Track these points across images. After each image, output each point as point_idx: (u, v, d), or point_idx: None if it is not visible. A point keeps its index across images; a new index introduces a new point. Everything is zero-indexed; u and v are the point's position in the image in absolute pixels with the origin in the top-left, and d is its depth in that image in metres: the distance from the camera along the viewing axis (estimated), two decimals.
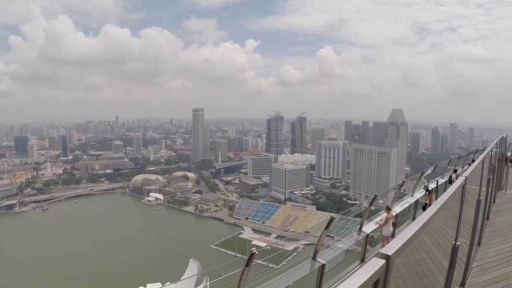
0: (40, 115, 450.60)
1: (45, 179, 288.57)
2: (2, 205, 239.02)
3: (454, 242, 7.61)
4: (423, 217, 4.93)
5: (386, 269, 3.71)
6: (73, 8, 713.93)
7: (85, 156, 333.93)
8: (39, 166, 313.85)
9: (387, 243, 18.99)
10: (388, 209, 19.30)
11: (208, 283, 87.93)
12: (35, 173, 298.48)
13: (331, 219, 13.94)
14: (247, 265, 10.96)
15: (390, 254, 3.68)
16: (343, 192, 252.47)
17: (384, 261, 3.64)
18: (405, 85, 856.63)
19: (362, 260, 18.19)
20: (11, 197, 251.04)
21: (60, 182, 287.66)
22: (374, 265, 3.57)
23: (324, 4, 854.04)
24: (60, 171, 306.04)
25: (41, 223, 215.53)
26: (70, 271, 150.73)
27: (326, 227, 14.26)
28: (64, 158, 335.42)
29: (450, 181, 27.56)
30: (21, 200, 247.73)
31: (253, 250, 10.73)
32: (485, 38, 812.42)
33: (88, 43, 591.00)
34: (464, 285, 8.98)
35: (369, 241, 18.53)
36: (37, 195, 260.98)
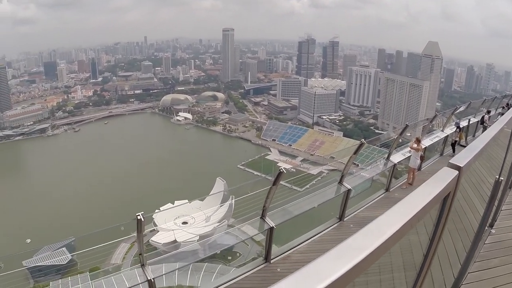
0: (67, 39, 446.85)
1: (76, 102, 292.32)
2: (35, 129, 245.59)
3: (497, 177, 7.04)
4: (493, 129, 4.81)
5: (457, 182, 3.41)
6: None
7: (114, 78, 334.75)
8: (69, 90, 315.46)
9: (413, 175, 19.13)
10: (418, 141, 19.11)
11: (233, 201, 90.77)
12: (65, 97, 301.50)
13: (361, 144, 14.26)
14: (274, 183, 11.35)
15: (462, 166, 3.34)
16: (371, 121, 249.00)
17: (457, 172, 3.28)
18: (443, 18, 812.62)
19: (387, 190, 18.36)
20: (43, 121, 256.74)
21: (90, 104, 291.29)
22: (446, 176, 3.22)
23: None
24: (90, 93, 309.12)
25: (73, 144, 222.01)
26: (100, 190, 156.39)
27: (355, 152, 14.52)
28: (93, 80, 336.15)
29: (482, 122, 26.85)
30: (53, 124, 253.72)
31: (281, 169, 11.04)
32: None
33: None
34: (493, 226, 8.79)
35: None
36: (68, 118, 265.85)
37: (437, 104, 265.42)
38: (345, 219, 14.89)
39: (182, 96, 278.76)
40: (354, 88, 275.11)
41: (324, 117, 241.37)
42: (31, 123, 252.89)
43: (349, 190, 14.47)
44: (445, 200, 3.48)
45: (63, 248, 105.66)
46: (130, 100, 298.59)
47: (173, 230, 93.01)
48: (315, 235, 13.84)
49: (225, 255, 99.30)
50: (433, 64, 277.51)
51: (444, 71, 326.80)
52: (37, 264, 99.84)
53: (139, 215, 9.32)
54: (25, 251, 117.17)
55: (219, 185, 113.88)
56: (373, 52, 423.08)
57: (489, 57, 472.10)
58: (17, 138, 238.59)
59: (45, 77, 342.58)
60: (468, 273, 6.78)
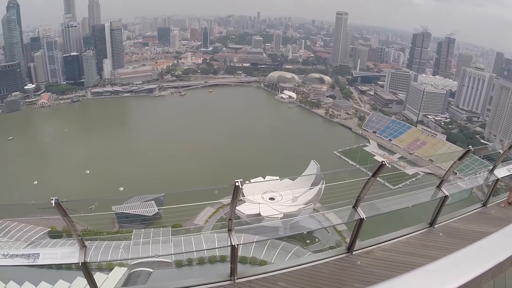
0: (182, 7, 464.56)
1: (185, 68, 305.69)
2: (143, 88, 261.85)
3: None
4: None
5: None
6: None
7: (224, 49, 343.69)
8: (179, 55, 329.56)
9: None
10: None
11: (323, 186, 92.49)
12: (175, 62, 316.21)
13: (467, 151, 13.55)
14: (373, 175, 11.42)
15: None
16: (478, 129, 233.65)
17: None
18: None
19: (484, 205, 17.26)
20: (152, 82, 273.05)
21: (198, 71, 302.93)
22: None
23: None
24: (200, 61, 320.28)
25: (177, 107, 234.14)
26: (196, 153, 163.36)
27: (460, 158, 14.08)
28: (204, 49, 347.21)
29: None
30: (160, 85, 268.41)
31: (384, 161, 11.10)
32: None
33: None
34: None
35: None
36: (175, 82, 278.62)
37: None
38: (435, 226, 14.62)
39: (289, 75, 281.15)
40: (465, 90, 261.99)
41: (429, 116, 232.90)
42: (140, 82, 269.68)
43: (446, 197, 14.17)
44: None
45: (151, 201, 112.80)
46: (237, 72, 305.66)
47: (259, 203, 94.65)
48: (401, 236, 13.74)
49: (304, 238, 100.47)
50: None
51: None
52: (125, 211, 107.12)
53: (237, 181, 9.58)
54: (116, 198, 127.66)
55: (312, 168, 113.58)
56: (490, 54, 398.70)
57: None
58: (125, 94, 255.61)
59: (158, 41, 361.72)
60: None
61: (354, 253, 12.47)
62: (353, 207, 12.24)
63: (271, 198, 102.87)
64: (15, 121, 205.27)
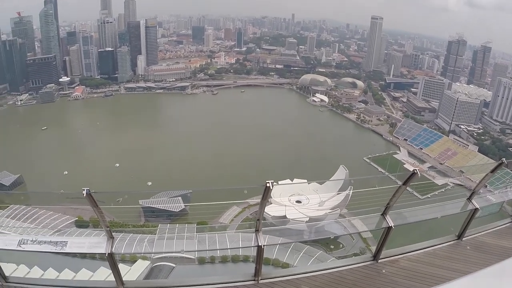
0: (217, 7, 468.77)
1: (218, 67, 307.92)
2: (176, 85, 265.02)
3: None
4: None
5: None
6: None
7: (258, 49, 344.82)
8: (213, 54, 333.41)
9: None
10: None
11: (351, 192, 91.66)
12: (209, 60, 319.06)
13: (500, 164, 13.20)
14: (404, 183, 11.41)
15: None
16: (511, 141, 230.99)
17: None
18: None
19: None
20: (185, 80, 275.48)
21: (231, 70, 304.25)
22: None
23: None
24: (233, 60, 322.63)
25: (209, 105, 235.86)
26: (225, 153, 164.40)
27: (493, 171, 13.62)
28: (237, 49, 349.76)
29: None
30: (193, 83, 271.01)
31: (415, 170, 11.12)
32: None
33: None
34: None
35: None
36: (208, 80, 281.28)
37: None
38: (463, 239, 14.37)
39: (321, 78, 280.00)
40: (500, 101, 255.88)
41: (462, 126, 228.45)
42: (173, 80, 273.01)
43: (476, 210, 13.94)
44: None
45: (178, 198, 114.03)
46: (270, 73, 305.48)
47: (286, 205, 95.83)
48: (428, 247, 13.53)
49: (329, 243, 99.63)
50: None
51: None
52: (151, 206, 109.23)
53: (268, 182, 9.51)
54: (144, 192, 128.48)
55: (341, 173, 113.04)
56: None
57: None
58: (158, 91, 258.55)
59: (192, 40, 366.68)
60: None
61: (379, 261, 12.36)
62: (382, 214, 12.17)
63: (298, 201, 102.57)
64: (49, 112, 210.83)
